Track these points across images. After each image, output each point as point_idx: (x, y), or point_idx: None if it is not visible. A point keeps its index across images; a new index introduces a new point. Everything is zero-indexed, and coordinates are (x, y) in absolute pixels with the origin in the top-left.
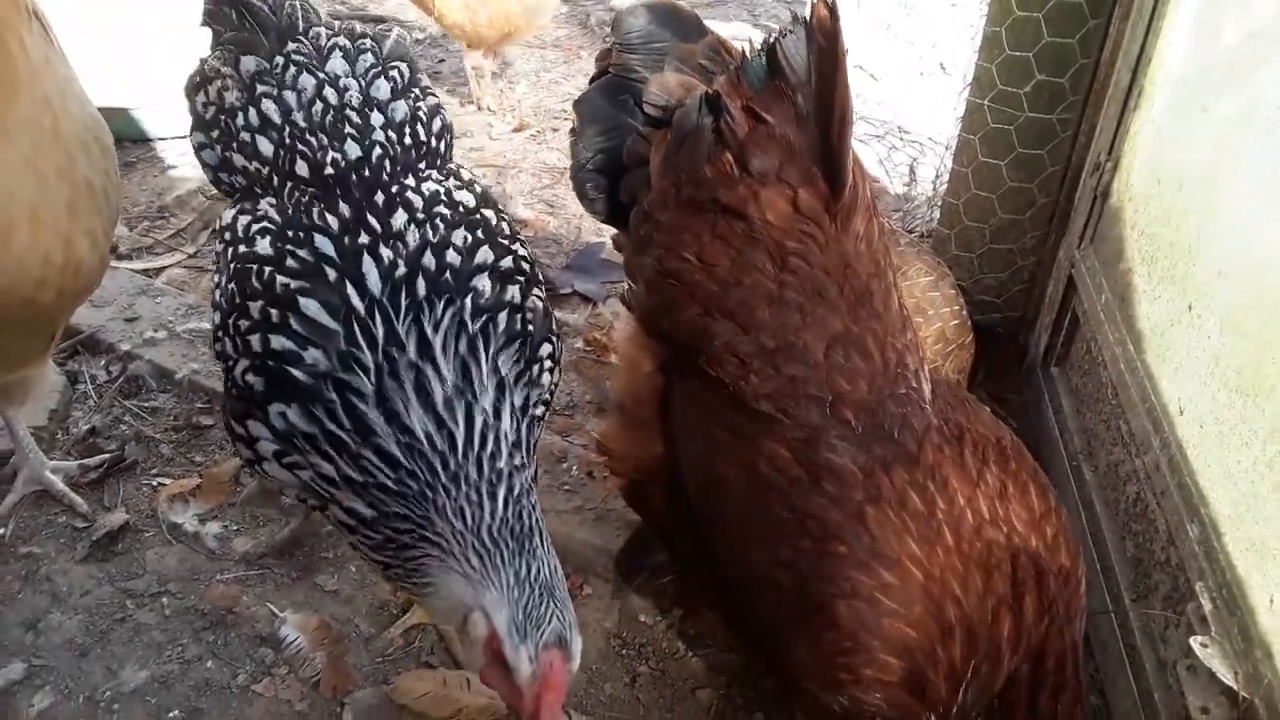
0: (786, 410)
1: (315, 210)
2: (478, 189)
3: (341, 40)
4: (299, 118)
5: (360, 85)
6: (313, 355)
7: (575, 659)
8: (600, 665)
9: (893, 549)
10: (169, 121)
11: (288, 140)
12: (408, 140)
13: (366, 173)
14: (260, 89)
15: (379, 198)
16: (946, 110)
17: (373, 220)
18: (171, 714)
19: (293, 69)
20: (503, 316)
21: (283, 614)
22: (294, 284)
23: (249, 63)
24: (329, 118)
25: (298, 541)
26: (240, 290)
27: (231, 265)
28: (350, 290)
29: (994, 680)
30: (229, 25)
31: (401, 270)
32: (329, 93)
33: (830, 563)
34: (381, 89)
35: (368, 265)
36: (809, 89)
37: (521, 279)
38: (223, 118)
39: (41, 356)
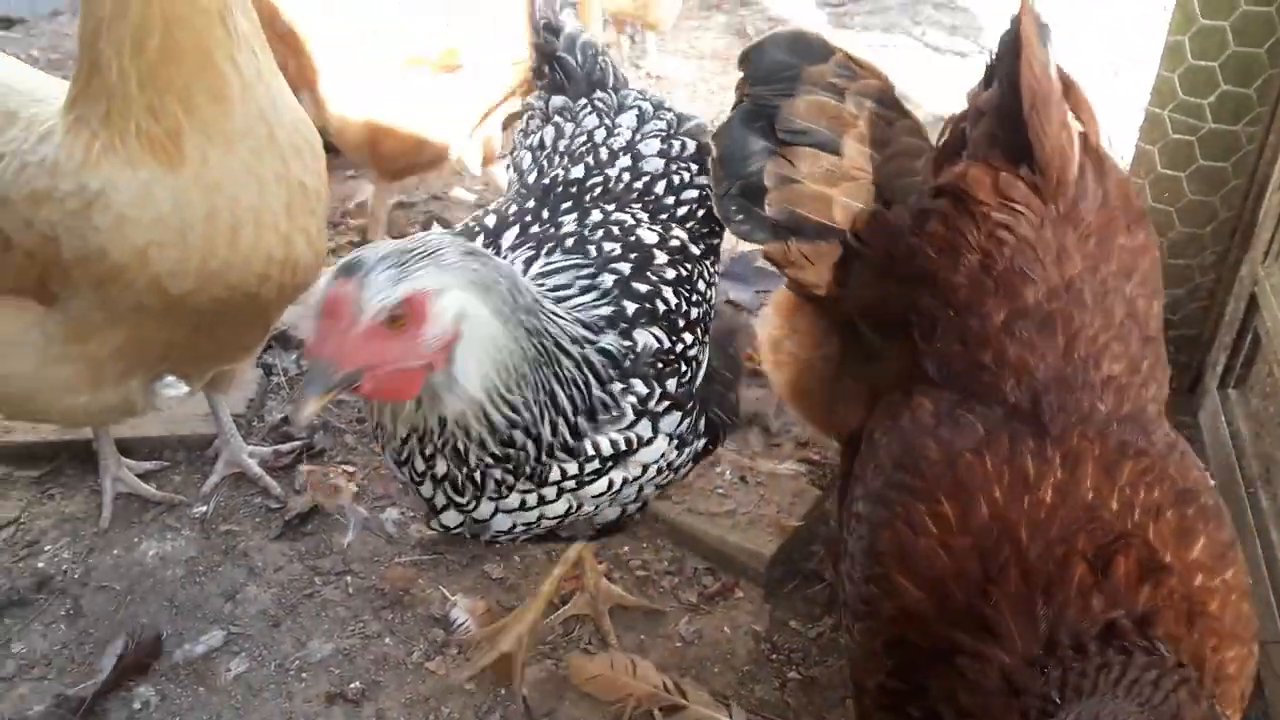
0: (950, 369)
1: (513, 204)
2: (678, 246)
3: (645, 104)
4: (563, 144)
5: (632, 136)
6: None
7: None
8: (750, 668)
9: (967, 487)
10: None
11: (543, 161)
12: (637, 185)
13: (574, 190)
14: (555, 119)
15: (564, 204)
16: (1119, 115)
17: (546, 213)
18: (352, 685)
19: (586, 110)
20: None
21: (454, 598)
22: None
23: (557, 100)
24: (583, 147)
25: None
26: None
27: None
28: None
29: (1080, 618)
30: (544, 76)
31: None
32: (599, 132)
33: (900, 494)
34: (649, 146)
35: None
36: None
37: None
38: (521, 138)
39: (254, 349)
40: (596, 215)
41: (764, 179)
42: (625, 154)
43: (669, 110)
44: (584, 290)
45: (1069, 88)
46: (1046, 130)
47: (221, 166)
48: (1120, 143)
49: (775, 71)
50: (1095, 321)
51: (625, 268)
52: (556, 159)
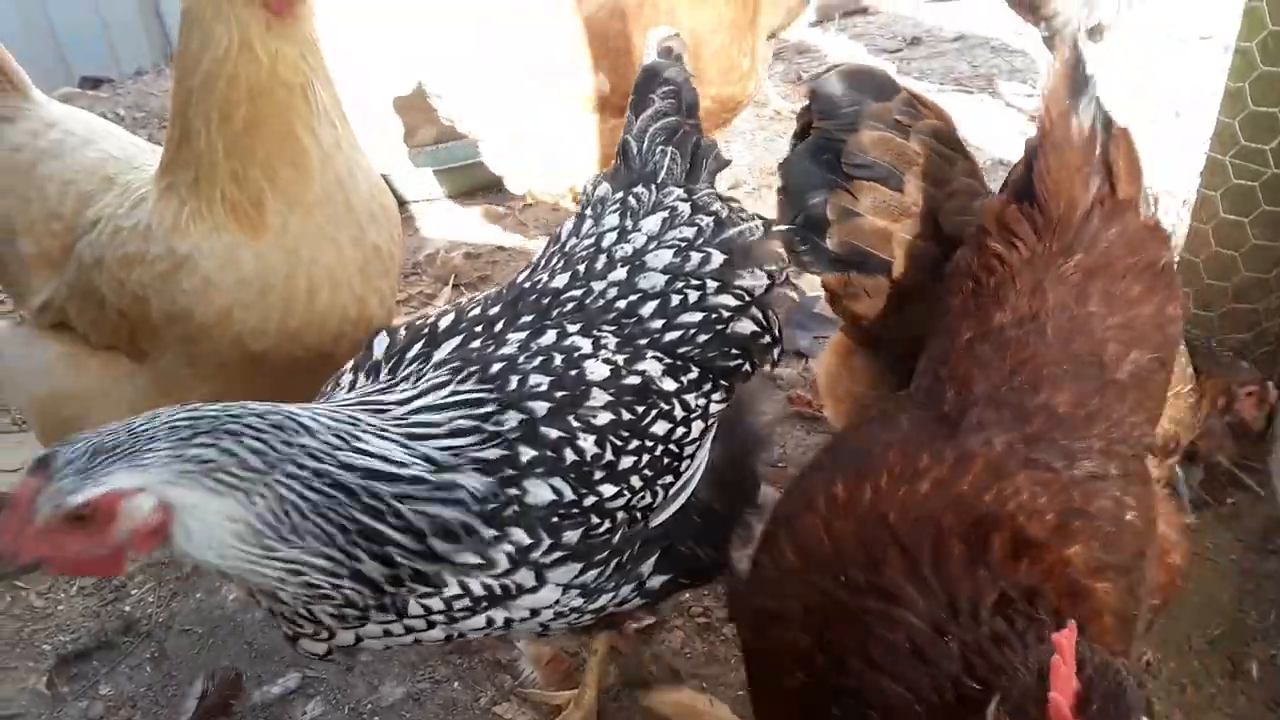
0: (919, 382)
1: (478, 306)
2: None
3: (683, 205)
4: (571, 243)
5: (645, 244)
6: None
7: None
8: None
9: (863, 475)
10: (419, 187)
11: (544, 256)
12: (619, 304)
13: (544, 302)
14: (585, 211)
15: (524, 318)
16: (1182, 159)
17: (499, 325)
18: None
19: (615, 206)
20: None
21: (520, 645)
22: None
23: (601, 188)
24: (585, 251)
25: None
26: None
27: None
28: None
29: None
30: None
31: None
32: (610, 235)
33: (811, 471)
34: (658, 258)
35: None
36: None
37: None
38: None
39: None
40: (548, 337)
41: (827, 211)
42: (625, 265)
43: (712, 214)
44: (469, 431)
45: (1115, 138)
46: (1049, 170)
47: (301, 232)
48: (1184, 183)
49: (841, 106)
50: (1048, 354)
51: (541, 407)
52: (554, 260)
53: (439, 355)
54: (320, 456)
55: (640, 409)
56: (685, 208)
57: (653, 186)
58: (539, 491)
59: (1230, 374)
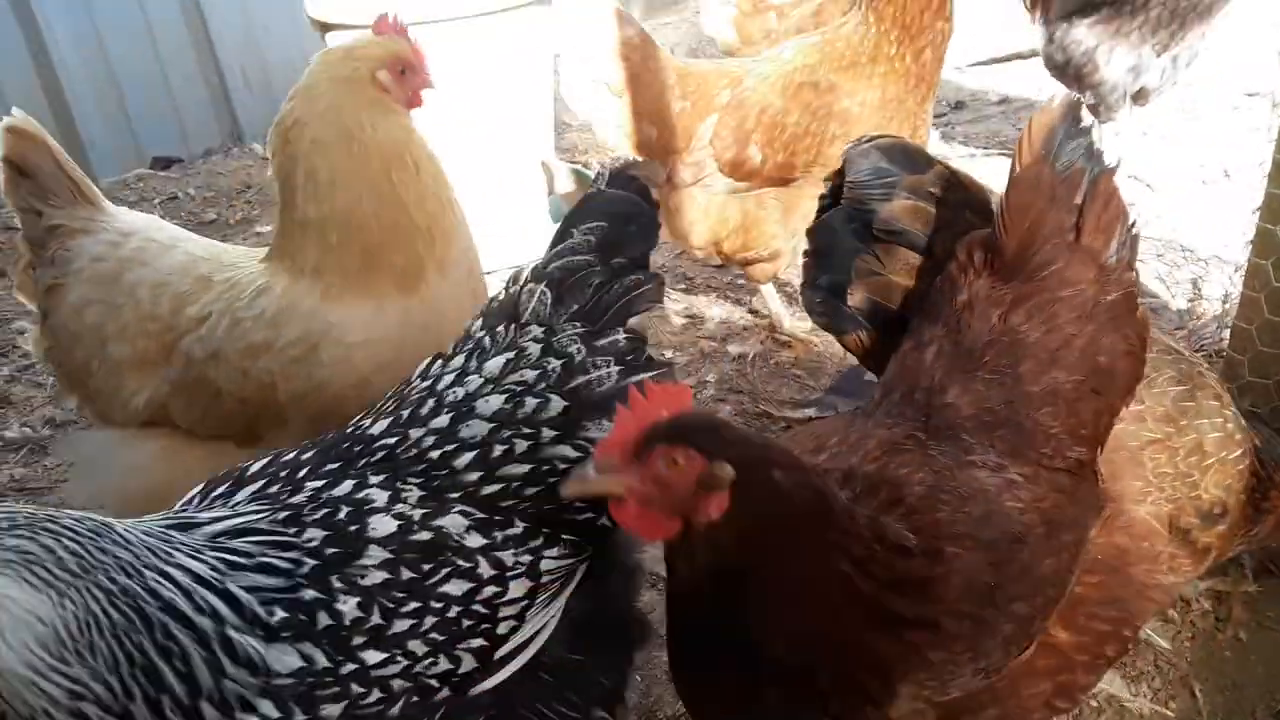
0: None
1: (296, 450)
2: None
3: (532, 348)
4: (413, 385)
5: (479, 387)
6: None
7: None
8: None
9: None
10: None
11: (387, 398)
12: (432, 453)
13: (354, 450)
14: (454, 347)
15: (328, 465)
16: (1231, 220)
17: (302, 472)
18: None
19: (468, 345)
20: None
21: None
22: None
23: (476, 323)
24: (416, 395)
25: None
26: None
27: None
28: None
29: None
30: None
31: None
32: (447, 378)
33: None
34: (487, 404)
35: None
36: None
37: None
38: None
39: None
40: (343, 488)
41: (852, 273)
42: (450, 411)
43: (565, 357)
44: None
45: (1097, 189)
46: (1009, 206)
47: (440, 291)
48: (1234, 247)
49: (876, 177)
50: (962, 362)
51: (307, 565)
52: (388, 403)
53: (238, 498)
54: (130, 573)
55: (427, 567)
56: (535, 349)
57: (513, 325)
58: (283, 658)
59: None
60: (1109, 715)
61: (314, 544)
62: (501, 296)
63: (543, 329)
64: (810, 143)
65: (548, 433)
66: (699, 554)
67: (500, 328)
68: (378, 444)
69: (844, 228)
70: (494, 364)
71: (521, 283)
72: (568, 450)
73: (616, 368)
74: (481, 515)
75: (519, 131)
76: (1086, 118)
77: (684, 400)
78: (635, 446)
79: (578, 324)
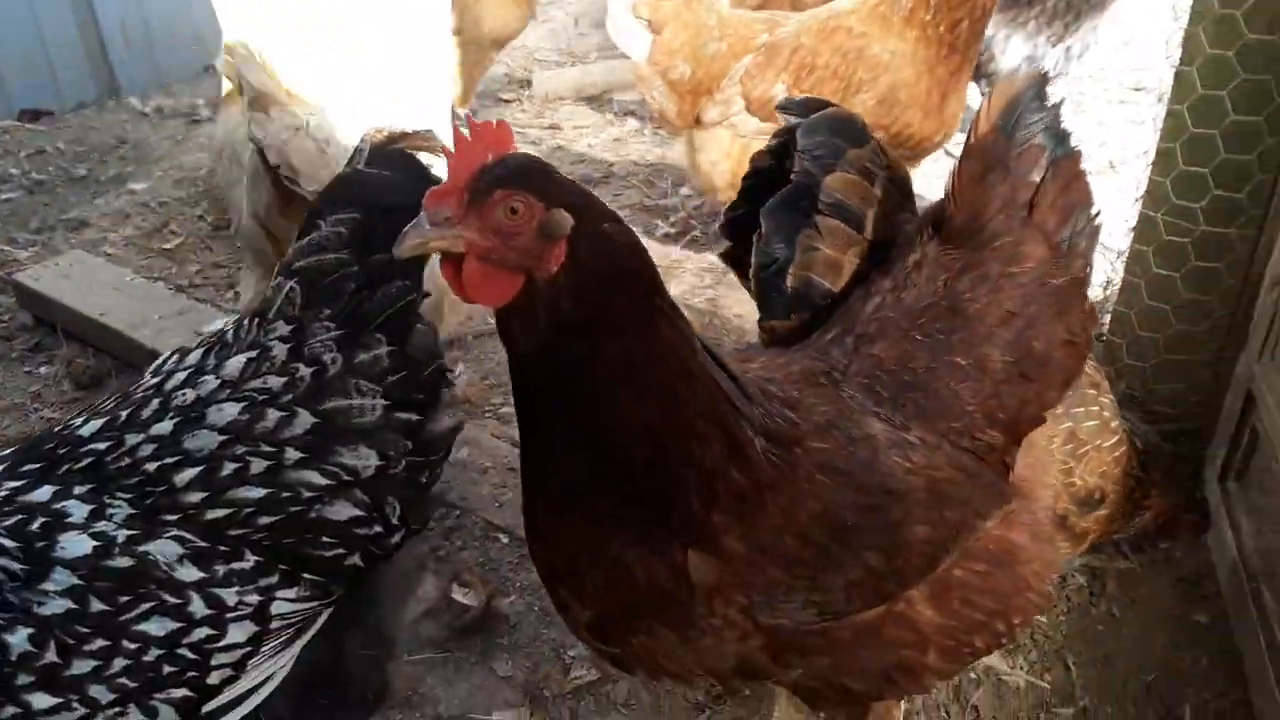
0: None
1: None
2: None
3: (278, 348)
4: (144, 380)
5: (211, 392)
6: None
7: None
8: None
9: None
10: None
11: (121, 405)
12: (148, 466)
13: (60, 452)
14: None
15: (28, 466)
16: (1116, 209)
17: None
18: None
19: (209, 339)
20: None
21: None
22: None
23: (225, 320)
24: (141, 393)
25: (478, 627)
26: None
27: None
28: None
29: None
30: None
31: None
32: (180, 375)
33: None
34: (220, 413)
35: None
36: None
37: None
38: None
39: None
40: (40, 494)
41: (796, 252)
42: (175, 417)
43: (317, 365)
44: None
45: (1058, 169)
46: (960, 174)
47: None
48: (1118, 236)
49: (821, 147)
50: (897, 318)
51: None
52: (109, 400)
53: None
54: None
55: (123, 599)
56: (282, 350)
57: (258, 321)
58: None
59: (1181, 496)
60: (987, 687)
61: None
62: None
63: (291, 327)
64: (837, 86)
65: (292, 454)
66: (541, 314)
67: (246, 321)
68: (85, 448)
69: (791, 208)
70: (233, 364)
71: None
72: (315, 477)
73: (381, 401)
74: (202, 544)
75: None
76: (1053, 95)
77: (507, 139)
78: (469, 193)
79: (332, 326)
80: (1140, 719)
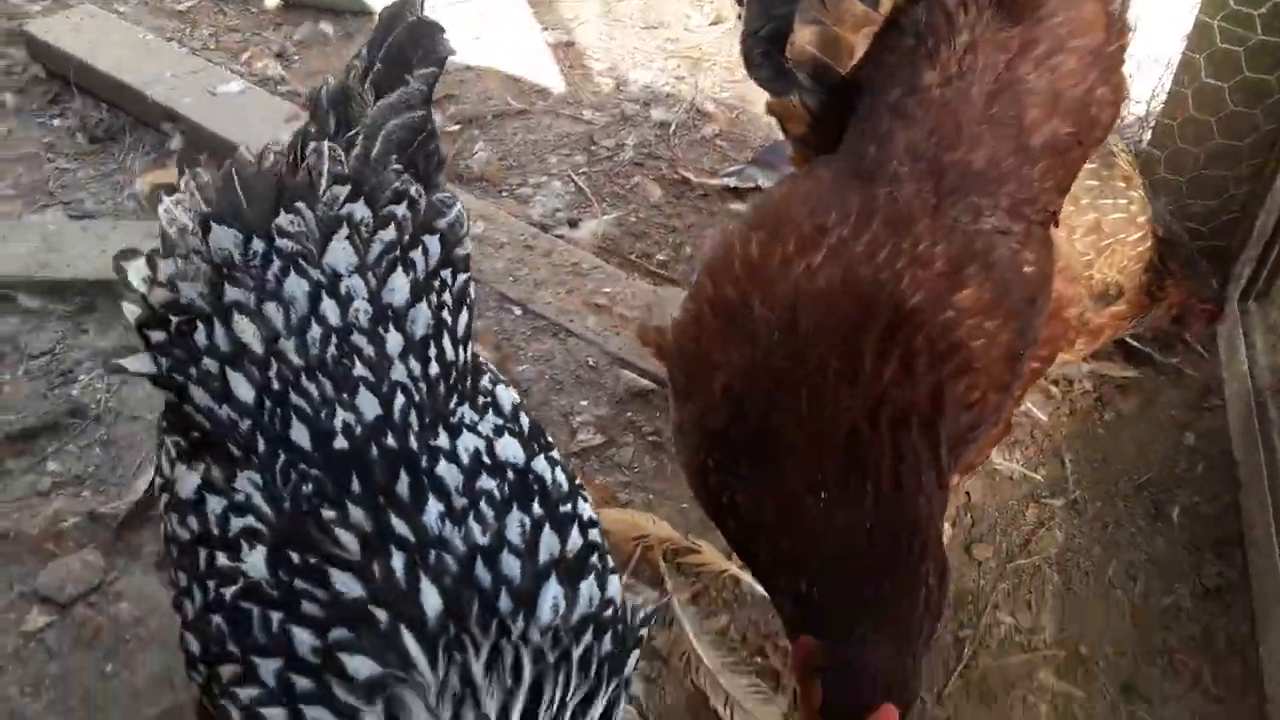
0: (845, 140)
1: (322, 519)
2: (510, 398)
3: (359, 209)
4: (290, 348)
5: (369, 287)
6: None
7: None
8: None
9: (775, 234)
10: None
11: (275, 385)
12: (434, 369)
13: (389, 439)
14: (230, 294)
15: (403, 484)
16: (1170, 21)
17: (401, 526)
18: None
19: (276, 264)
20: (585, 643)
21: None
22: (329, 638)
23: (222, 237)
24: (330, 350)
25: None
26: (239, 639)
27: (210, 586)
28: (408, 638)
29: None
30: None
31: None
32: (327, 306)
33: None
34: (397, 289)
35: (426, 593)
36: None
37: (596, 558)
38: (177, 320)
39: None
40: (451, 477)
41: (795, 19)
42: (388, 326)
43: (397, 200)
44: None
45: None
46: None
47: None
48: (1168, 47)
49: None
50: (970, 113)
51: None
52: (314, 389)
53: None
54: None
55: None
56: (363, 210)
57: (299, 206)
58: None
59: (1197, 287)
60: (981, 476)
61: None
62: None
63: (342, 178)
64: None
65: (441, 276)
66: None
67: (290, 219)
68: (388, 428)
69: None
70: (339, 256)
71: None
72: (463, 278)
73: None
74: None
75: None
76: None
77: None
78: None
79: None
80: (1129, 514)
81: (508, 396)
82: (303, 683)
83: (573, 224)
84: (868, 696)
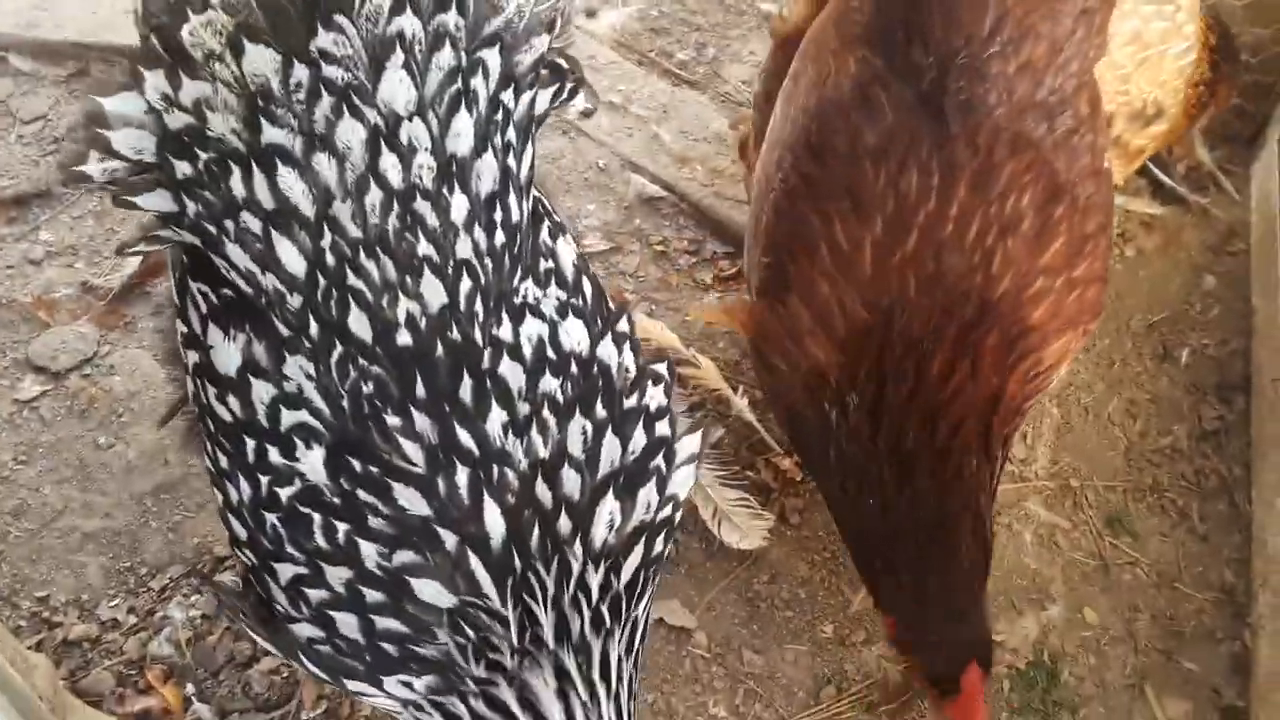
0: (884, 30)
1: (386, 428)
2: (571, 257)
3: (409, 22)
4: (346, 214)
5: (433, 131)
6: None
7: None
8: None
9: (859, 214)
10: None
11: (330, 259)
12: (499, 238)
13: (454, 332)
14: (270, 134)
15: (466, 388)
16: None
17: (465, 438)
18: None
19: (325, 100)
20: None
21: None
22: (396, 560)
23: (258, 60)
24: (392, 220)
25: None
26: (299, 543)
27: (263, 482)
28: (475, 562)
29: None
30: None
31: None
32: (387, 161)
33: (802, 184)
34: (462, 132)
35: (490, 513)
36: None
37: (661, 459)
38: (205, 157)
39: None
40: (514, 378)
41: None
42: (452, 186)
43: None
44: None
45: None
46: None
47: None
48: None
49: None
50: (1038, 16)
51: None
52: (375, 269)
53: None
54: None
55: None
56: (413, 22)
57: (342, 19)
58: None
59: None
60: None
61: None
62: None
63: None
64: None
65: (504, 105)
66: None
67: (331, 38)
68: (454, 319)
69: None
70: (396, 88)
71: None
72: (523, 104)
73: None
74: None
75: None
76: None
77: None
78: None
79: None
80: (1136, 352)
81: (568, 255)
82: (374, 595)
83: (590, 14)
84: (956, 664)
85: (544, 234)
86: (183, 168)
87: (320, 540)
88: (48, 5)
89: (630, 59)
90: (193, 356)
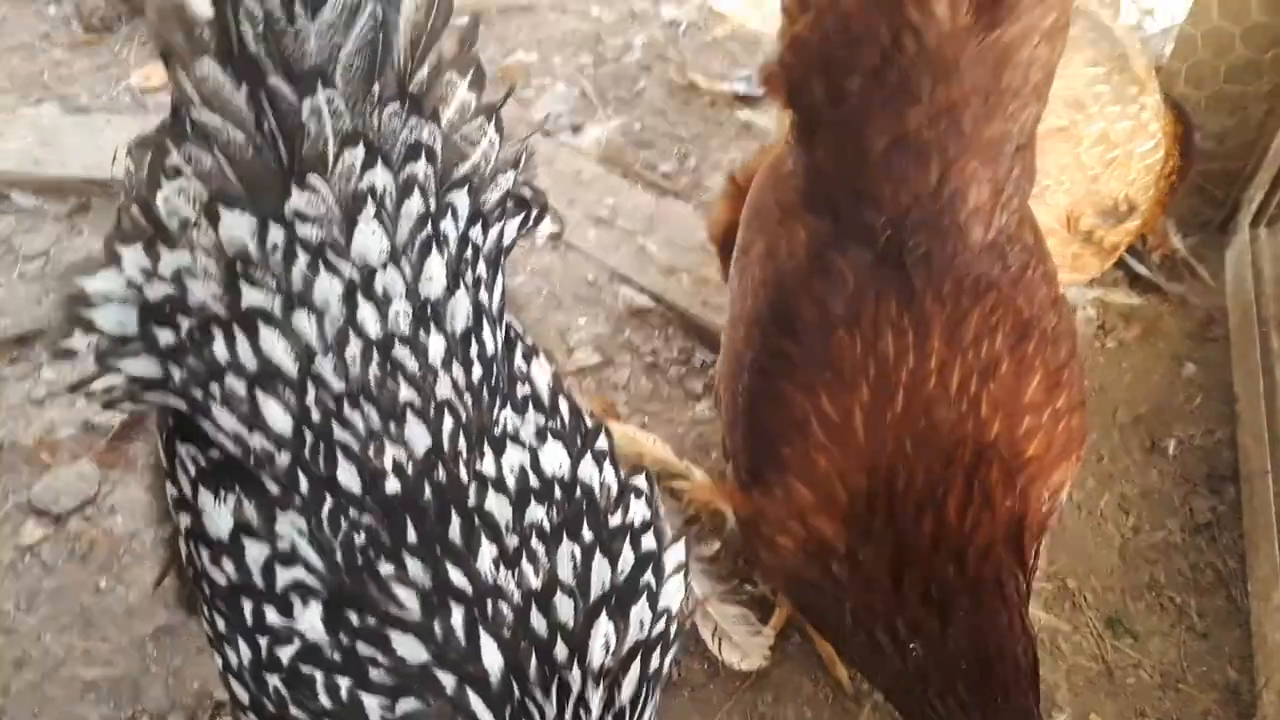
0: (826, 195)
1: (380, 577)
2: (545, 378)
3: (380, 176)
4: (327, 368)
5: (407, 278)
6: None
7: None
8: None
9: (843, 384)
10: None
11: (315, 414)
12: (476, 372)
13: (440, 473)
14: (250, 296)
15: (454, 528)
16: None
17: (458, 577)
18: None
19: (302, 259)
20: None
21: None
22: (399, 709)
23: (235, 226)
24: (373, 369)
25: None
26: (303, 704)
27: (262, 644)
28: (475, 701)
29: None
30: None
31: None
32: (365, 313)
33: (777, 361)
34: (434, 276)
35: (487, 650)
36: None
37: (650, 574)
38: (188, 323)
39: None
40: (500, 511)
41: None
42: (429, 328)
43: (418, 157)
44: None
45: None
46: None
47: None
48: None
49: None
50: (969, 148)
51: None
52: (359, 419)
53: None
54: None
55: None
56: (384, 178)
57: (314, 181)
58: None
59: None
60: None
61: None
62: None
63: (356, 140)
64: None
65: (473, 242)
66: None
67: (305, 199)
68: (439, 460)
69: None
70: (369, 240)
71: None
72: (492, 234)
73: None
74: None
75: None
76: None
77: None
78: None
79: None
80: (1124, 445)
81: (543, 377)
82: None
83: (575, 129)
84: None
85: (518, 358)
86: (165, 336)
87: (324, 699)
88: (52, 141)
89: (615, 172)
90: (184, 520)
